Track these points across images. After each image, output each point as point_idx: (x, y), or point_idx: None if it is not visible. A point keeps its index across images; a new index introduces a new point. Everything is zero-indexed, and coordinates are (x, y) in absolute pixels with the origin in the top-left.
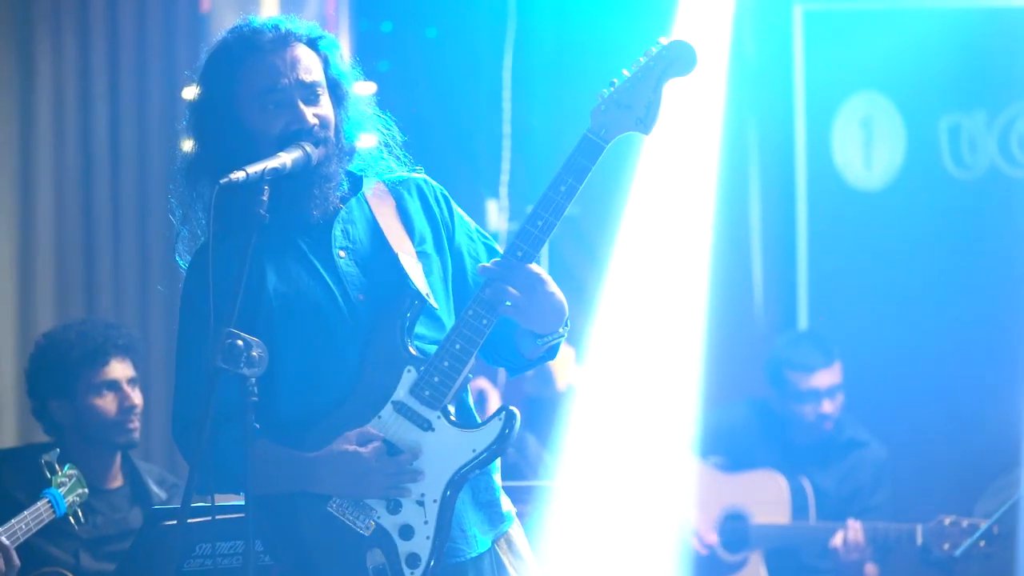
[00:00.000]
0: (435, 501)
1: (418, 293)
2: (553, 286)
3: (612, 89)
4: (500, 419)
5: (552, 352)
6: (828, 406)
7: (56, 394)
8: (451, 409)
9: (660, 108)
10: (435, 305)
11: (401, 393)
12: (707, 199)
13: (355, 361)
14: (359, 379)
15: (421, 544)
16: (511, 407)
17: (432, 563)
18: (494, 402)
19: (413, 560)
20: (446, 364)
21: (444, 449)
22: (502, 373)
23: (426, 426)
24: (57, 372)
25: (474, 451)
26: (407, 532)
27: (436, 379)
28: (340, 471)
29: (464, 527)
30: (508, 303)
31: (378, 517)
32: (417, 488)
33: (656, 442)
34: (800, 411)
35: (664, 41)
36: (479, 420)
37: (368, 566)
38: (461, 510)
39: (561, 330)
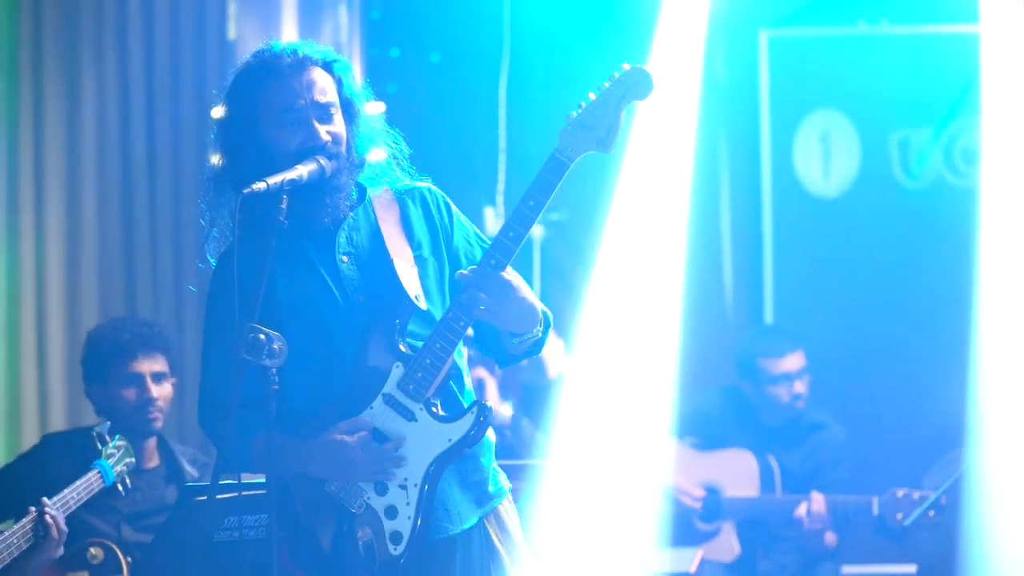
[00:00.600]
0: (416, 485)
1: (407, 297)
2: (525, 291)
3: (578, 112)
4: (473, 412)
5: (534, 348)
6: (799, 386)
7: (94, 381)
8: (436, 402)
9: (619, 129)
10: (424, 307)
11: (390, 387)
12: (682, 206)
13: (352, 357)
14: (356, 373)
15: (403, 523)
16: (484, 402)
17: (412, 541)
18: (491, 390)
19: (396, 537)
20: (428, 361)
21: (425, 438)
22: None
23: (410, 417)
24: (95, 362)
25: (450, 440)
26: (392, 512)
27: (419, 374)
28: (329, 458)
29: (448, 506)
30: (482, 307)
31: (368, 498)
32: (401, 473)
33: (637, 425)
34: (775, 394)
35: (626, 67)
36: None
37: (359, 542)
38: (446, 491)
39: (536, 330)
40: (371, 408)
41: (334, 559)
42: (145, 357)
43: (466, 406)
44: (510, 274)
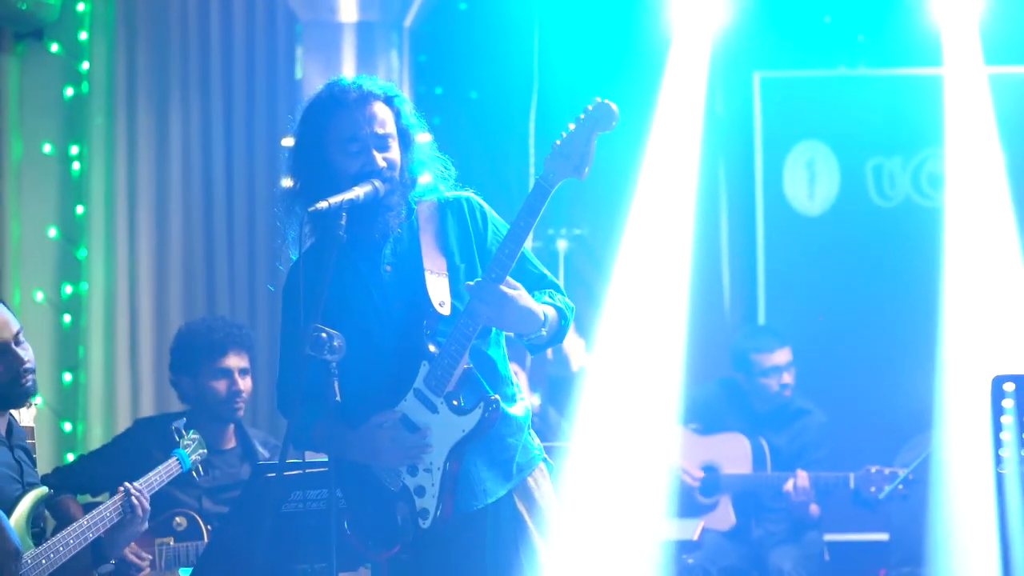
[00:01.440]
0: (438, 469)
1: (431, 305)
2: (523, 300)
3: (560, 141)
4: (480, 407)
5: (554, 340)
6: (787, 378)
7: (185, 372)
8: (459, 395)
9: (590, 157)
10: (446, 313)
11: (419, 382)
12: (686, 223)
13: (391, 356)
14: (393, 370)
15: (429, 501)
16: (493, 396)
17: (437, 516)
18: (522, 382)
19: (424, 513)
20: (446, 361)
21: (445, 428)
22: (529, 359)
23: (434, 409)
24: (187, 355)
25: (463, 431)
26: (420, 491)
27: (439, 372)
28: (365, 446)
29: (473, 485)
30: (483, 316)
31: (403, 479)
32: (427, 458)
33: (648, 412)
34: (766, 384)
35: (598, 100)
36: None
37: (397, 516)
38: (472, 471)
39: (542, 331)
40: (405, 400)
41: (380, 530)
42: (234, 354)
43: (491, 395)
44: (509, 285)
